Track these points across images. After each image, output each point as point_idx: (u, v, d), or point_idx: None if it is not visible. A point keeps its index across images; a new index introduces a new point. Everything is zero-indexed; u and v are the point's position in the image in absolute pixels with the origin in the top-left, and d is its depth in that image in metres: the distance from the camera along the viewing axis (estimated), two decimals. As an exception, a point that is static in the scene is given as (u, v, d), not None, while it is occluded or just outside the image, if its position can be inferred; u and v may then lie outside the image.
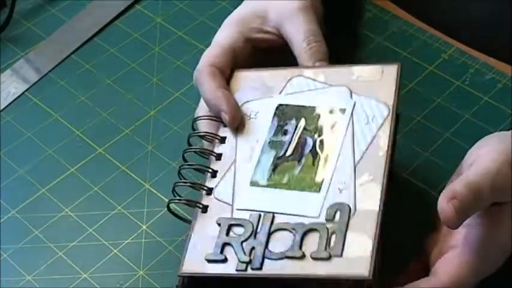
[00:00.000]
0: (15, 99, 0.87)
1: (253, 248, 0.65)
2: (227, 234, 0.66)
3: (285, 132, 0.71)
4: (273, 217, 0.66)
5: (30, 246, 0.75)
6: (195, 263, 0.65)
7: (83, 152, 0.81)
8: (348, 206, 0.65)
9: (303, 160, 0.69)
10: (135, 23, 0.93)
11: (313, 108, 0.71)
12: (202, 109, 0.75)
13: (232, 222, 0.67)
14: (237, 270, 0.64)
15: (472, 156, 0.68)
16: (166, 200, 0.71)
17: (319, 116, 0.71)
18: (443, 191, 0.64)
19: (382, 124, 0.68)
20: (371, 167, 0.66)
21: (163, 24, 0.92)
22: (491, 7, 0.86)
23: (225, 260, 0.65)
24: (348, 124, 0.69)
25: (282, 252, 0.64)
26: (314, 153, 0.69)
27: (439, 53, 0.87)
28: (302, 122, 0.71)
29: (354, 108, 0.70)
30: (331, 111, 0.71)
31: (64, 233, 0.75)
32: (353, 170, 0.67)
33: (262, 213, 0.66)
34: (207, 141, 0.73)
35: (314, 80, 0.73)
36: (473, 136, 0.71)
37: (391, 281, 0.66)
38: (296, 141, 0.70)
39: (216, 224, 0.67)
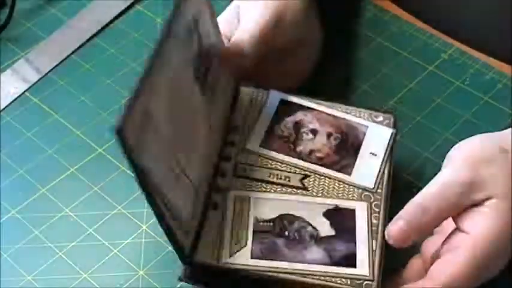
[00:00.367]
0: (15, 99, 0.87)
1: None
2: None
3: None
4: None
5: (30, 246, 0.75)
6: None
7: (83, 152, 0.81)
8: None
9: None
10: (135, 23, 0.93)
11: None
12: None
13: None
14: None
15: (447, 159, 0.68)
16: (166, 200, 0.71)
17: None
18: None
19: None
20: None
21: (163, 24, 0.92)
22: (491, 7, 0.86)
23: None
24: None
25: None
26: None
27: (439, 53, 0.87)
28: None
29: None
30: None
31: (64, 233, 0.75)
32: None
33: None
34: None
35: None
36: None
37: (389, 280, 0.66)
38: None
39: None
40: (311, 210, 0.68)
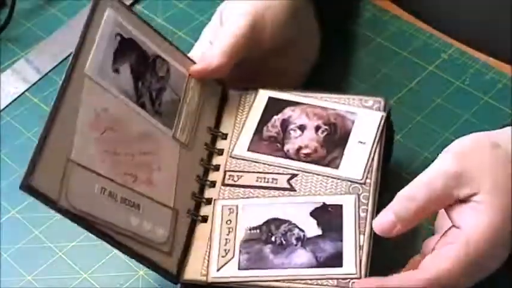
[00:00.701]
0: (15, 99, 0.87)
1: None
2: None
3: None
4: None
5: (30, 246, 0.75)
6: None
7: (83, 152, 0.81)
8: None
9: None
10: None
11: None
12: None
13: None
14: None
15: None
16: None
17: None
18: None
19: None
20: None
21: (163, 24, 0.92)
22: (491, 7, 0.86)
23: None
24: None
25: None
26: None
27: (439, 53, 0.87)
28: None
29: None
30: None
31: (64, 233, 0.75)
32: None
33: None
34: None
35: None
36: (473, 136, 0.71)
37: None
38: None
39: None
40: (298, 211, 0.68)
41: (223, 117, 0.75)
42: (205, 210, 0.70)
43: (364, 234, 0.65)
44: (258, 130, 0.73)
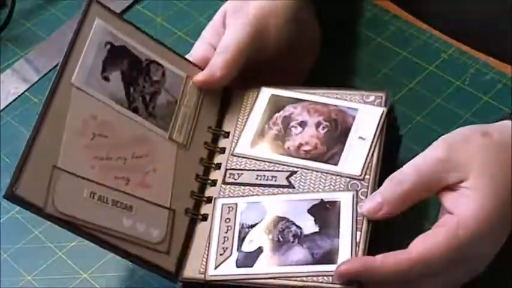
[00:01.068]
0: (15, 99, 0.87)
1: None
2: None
3: None
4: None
5: (30, 246, 0.75)
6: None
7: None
8: None
9: None
10: (135, 23, 0.92)
11: None
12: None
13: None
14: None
15: None
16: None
17: None
18: None
19: None
20: None
21: (163, 24, 0.92)
22: (491, 7, 0.86)
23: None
24: None
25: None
26: None
27: (439, 53, 0.87)
28: None
29: None
30: None
31: (64, 233, 0.75)
32: None
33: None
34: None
35: None
36: (473, 136, 0.71)
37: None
38: None
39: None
40: (296, 209, 0.68)
41: (225, 115, 0.76)
42: (205, 209, 0.70)
43: (361, 231, 0.65)
44: (260, 128, 0.73)
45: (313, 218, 0.67)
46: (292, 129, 0.72)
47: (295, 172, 0.70)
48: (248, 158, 0.71)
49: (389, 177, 0.65)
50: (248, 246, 0.66)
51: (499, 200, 0.63)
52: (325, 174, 0.69)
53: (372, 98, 0.73)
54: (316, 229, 0.66)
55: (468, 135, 0.67)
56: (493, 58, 0.86)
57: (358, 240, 0.65)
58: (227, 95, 0.76)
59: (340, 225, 0.66)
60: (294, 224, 0.67)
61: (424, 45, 0.88)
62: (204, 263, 0.66)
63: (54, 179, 0.64)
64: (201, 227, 0.69)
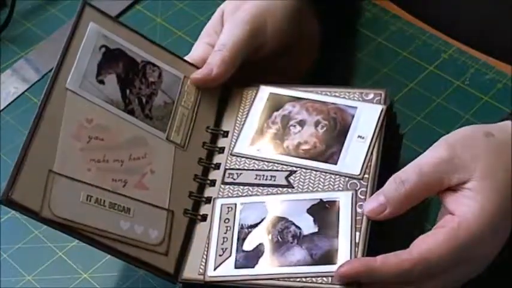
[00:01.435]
0: (15, 99, 0.87)
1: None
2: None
3: None
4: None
5: (30, 246, 0.75)
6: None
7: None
8: None
9: None
10: (135, 23, 0.92)
11: None
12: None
13: None
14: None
15: None
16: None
17: None
18: None
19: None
20: None
21: (163, 24, 0.92)
22: (490, 7, 0.86)
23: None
24: None
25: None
26: None
27: (439, 53, 0.87)
28: None
29: None
30: None
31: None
32: None
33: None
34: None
35: None
36: (473, 136, 0.71)
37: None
38: None
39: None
40: (295, 209, 0.67)
41: (224, 115, 0.75)
42: (204, 209, 0.70)
43: (360, 231, 0.65)
44: (259, 127, 0.73)
45: (312, 218, 0.67)
46: (291, 128, 0.72)
47: (295, 172, 0.70)
48: (247, 158, 0.71)
49: (392, 177, 0.65)
50: (247, 247, 0.66)
51: (500, 202, 0.63)
52: (324, 174, 0.69)
53: (371, 96, 0.73)
54: (316, 229, 0.66)
55: (471, 135, 0.67)
56: (493, 58, 0.86)
57: (357, 240, 0.65)
58: (225, 94, 0.76)
59: (339, 225, 0.66)
60: (293, 224, 0.67)
61: (424, 45, 0.88)
62: (203, 264, 0.66)
63: (50, 183, 0.64)
64: (200, 228, 0.69)
